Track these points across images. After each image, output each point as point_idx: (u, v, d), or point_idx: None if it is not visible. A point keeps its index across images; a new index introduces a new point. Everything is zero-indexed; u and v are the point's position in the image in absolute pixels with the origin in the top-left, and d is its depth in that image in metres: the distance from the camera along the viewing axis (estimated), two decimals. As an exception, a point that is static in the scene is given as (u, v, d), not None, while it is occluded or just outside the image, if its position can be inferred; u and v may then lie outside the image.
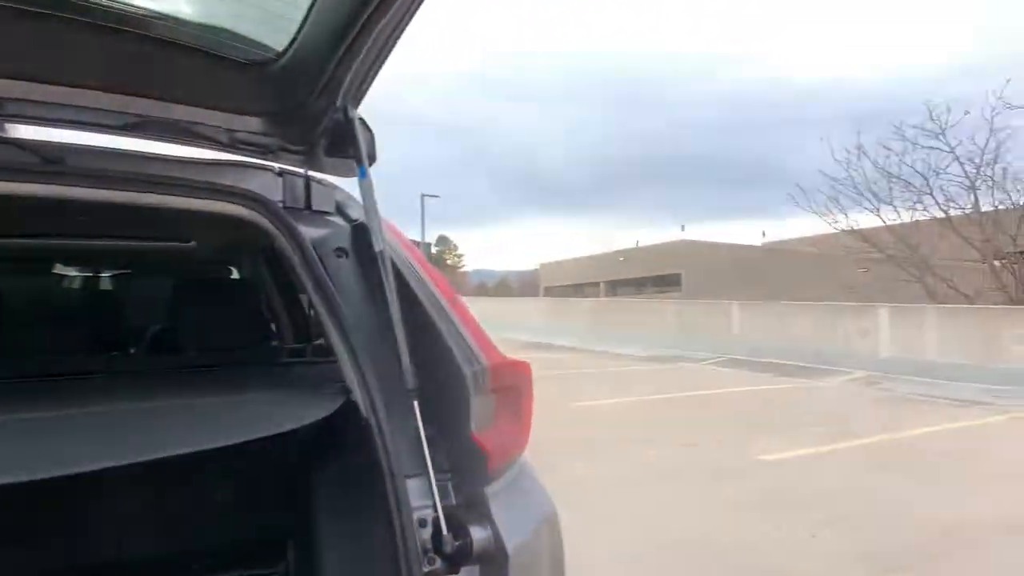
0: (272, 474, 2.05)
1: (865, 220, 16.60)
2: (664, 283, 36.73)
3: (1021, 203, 14.33)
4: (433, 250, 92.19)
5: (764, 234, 42.75)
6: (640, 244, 45.57)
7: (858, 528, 4.21)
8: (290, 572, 2.06)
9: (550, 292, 44.24)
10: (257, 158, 1.80)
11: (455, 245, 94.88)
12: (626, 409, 8.47)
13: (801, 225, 42.42)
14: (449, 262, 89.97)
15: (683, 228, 43.43)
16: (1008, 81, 14.85)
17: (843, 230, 16.60)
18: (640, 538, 4.04)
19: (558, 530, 1.69)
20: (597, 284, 41.94)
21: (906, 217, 15.91)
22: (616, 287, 41.18)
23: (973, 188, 14.71)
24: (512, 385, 1.66)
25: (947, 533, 4.12)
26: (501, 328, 23.38)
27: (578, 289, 43.12)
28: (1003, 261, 14.49)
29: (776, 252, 32.96)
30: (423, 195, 39.55)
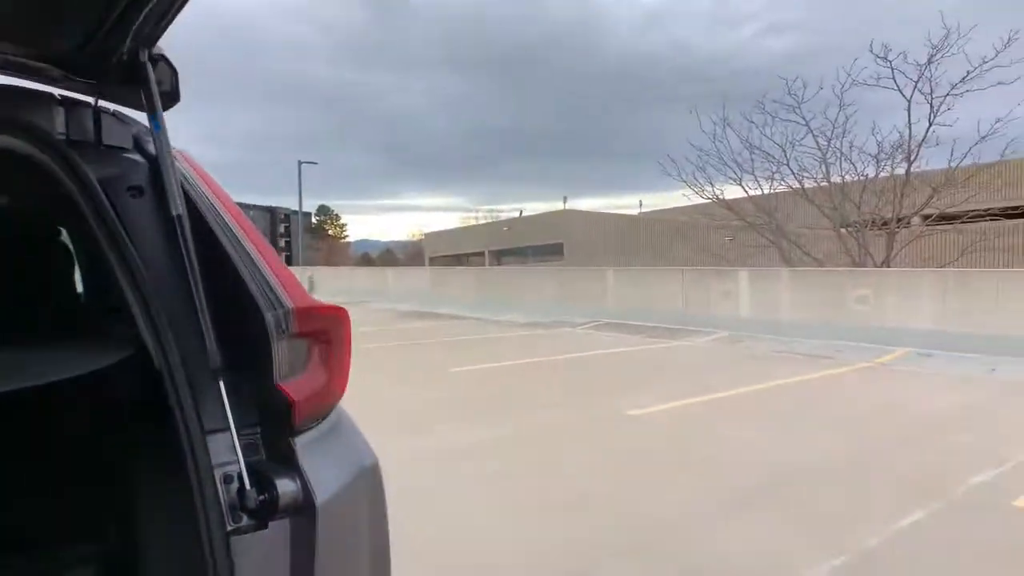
0: (85, 443, 1.88)
1: (730, 191, 17.55)
2: (547, 252, 37.42)
3: (865, 174, 15.64)
4: (314, 220, 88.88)
5: (641, 204, 44.29)
6: (524, 215, 46.09)
7: (709, 473, 4.43)
8: (111, 542, 1.88)
9: (435, 262, 43.94)
10: (33, 82, 1.58)
11: (337, 215, 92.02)
12: (502, 372, 8.51)
13: (675, 197, 44.49)
14: (331, 232, 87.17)
15: (565, 200, 44.35)
16: (855, 60, 16.08)
17: (709, 199, 17.47)
18: (496, 496, 4.03)
19: (379, 482, 1.59)
20: (482, 254, 42.09)
21: (766, 188, 16.97)
22: (501, 256, 41.52)
23: (824, 160, 15.88)
24: (323, 330, 1.52)
25: (785, 475, 4.41)
26: (385, 298, 22.93)
27: (463, 259, 43.08)
28: (848, 228, 15.80)
29: (650, 221, 34.36)
30: (300, 162, 37.85)
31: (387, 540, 1.60)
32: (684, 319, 13.34)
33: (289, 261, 53.69)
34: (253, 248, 1.54)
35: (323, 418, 1.54)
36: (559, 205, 45.28)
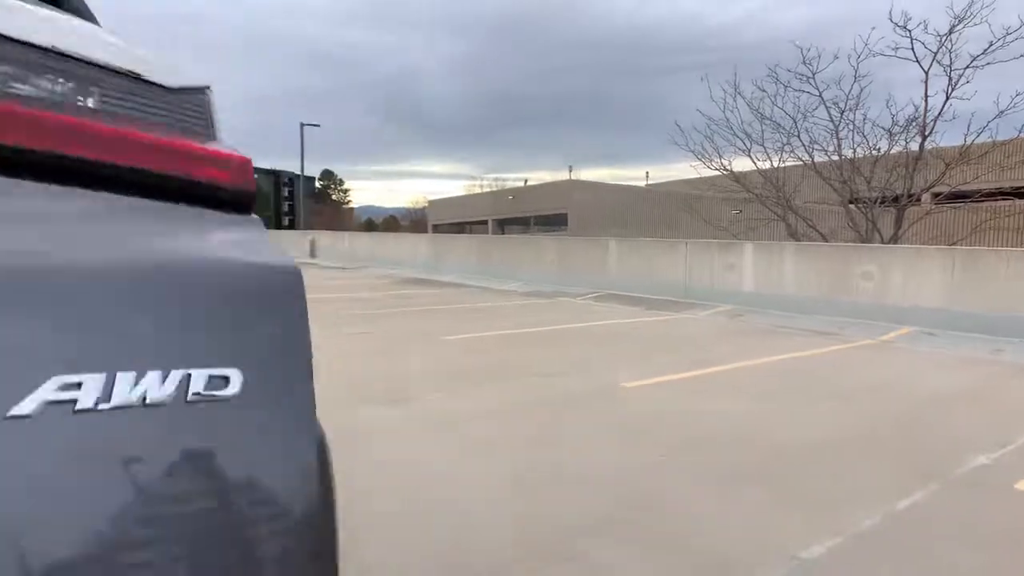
0: None
1: (739, 164, 17.23)
2: (551, 222, 37.12)
3: (877, 148, 15.29)
4: (317, 185, 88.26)
5: (648, 175, 43.82)
6: (529, 184, 45.64)
7: (706, 448, 4.30)
8: None
9: (438, 230, 43.68)
10: None
11: (340, 180, 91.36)
12: (498, 341, 8.38)
13: (682, 169, 43.93)
14: (335, 198, 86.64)
15: (571, 169, 43.79)
16: (873, 28, 15.62)
17: (717, 171, 17.15)
18: (490, 469, 3.91)
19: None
20: (485, 222, 41.80)
21: (775, 160, 16.63)
22: (504, 226, 41.24)
23: (836, 133, 15.51)
24: None
25: (779, 451, 4.28)
26: (385, 264, 22.82)
27: (466, 228, 42.83)
28: (857, 204, 15.51)
29: (655, 192, 33.98)
30: (302, 124, 37.36)
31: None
32: (687, 292, 13.16)
33: (292, 225, 53.52)
34: None
35: None
36: (565, 175, 44.83)
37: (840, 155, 15.63)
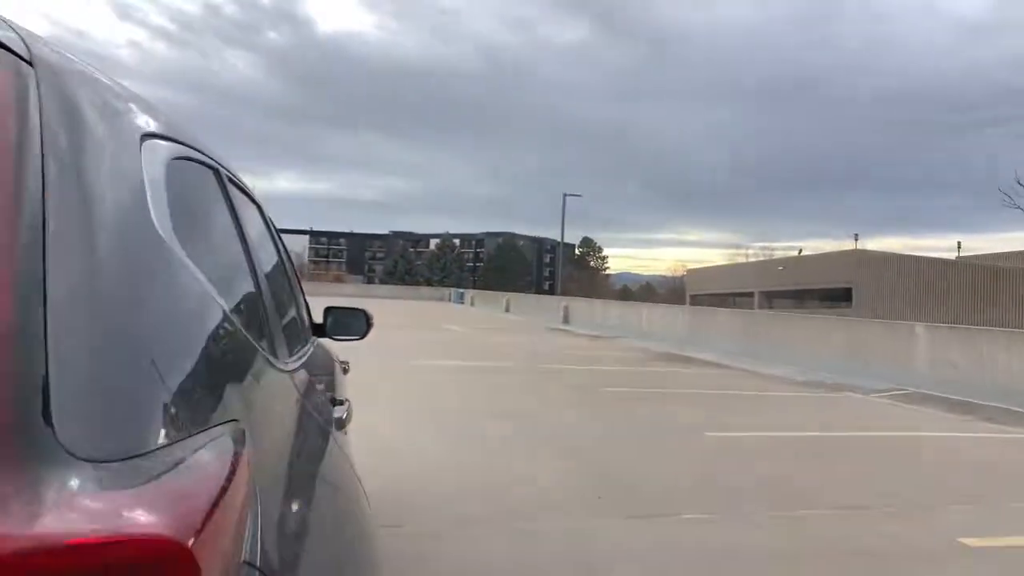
0: None
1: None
2: (830, 297, 32.96)
3: None
4: (577, 251, 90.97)
5: (960, 246, 37.53)
6: (804, 254, 41.66)
7: None
8: None
9: (697, 300, 41.55)
10: None
11: (599, 247, 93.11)
12: (774, 446, 6.78)
13: (996, 240, 36.83)
14: (592, 264, 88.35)
15: (856, 238, 39.15)
16: None
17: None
18: None
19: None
20: (751, 295, 38.70)
21: None
22: (772, 299, 37.72)
23: None
24: None
25: None
26: (638, 335, 21.72)
27: (728, 299, 40.10)
28: None
29: (973, 267, 28.30)
30: (565, 195, 38.63)
31: None
32: (1032, 399, 9.99)
33: (552, 290, 55.48)
34: None
35: None
36: (844, 244, 40.15)
37: None
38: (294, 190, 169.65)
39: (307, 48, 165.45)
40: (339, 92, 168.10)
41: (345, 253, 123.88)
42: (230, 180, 1.43)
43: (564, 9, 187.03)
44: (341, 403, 2.11)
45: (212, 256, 1.14)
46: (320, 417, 1.62)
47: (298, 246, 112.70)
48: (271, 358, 1.24)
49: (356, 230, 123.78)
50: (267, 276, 1.54)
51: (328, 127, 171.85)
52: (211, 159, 1.29)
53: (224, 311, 0.98)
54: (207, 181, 1.25)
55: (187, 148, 1.12)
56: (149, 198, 0.84)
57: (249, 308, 1.27)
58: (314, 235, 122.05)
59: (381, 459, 4.90)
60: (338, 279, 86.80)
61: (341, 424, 1.90)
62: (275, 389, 1.22)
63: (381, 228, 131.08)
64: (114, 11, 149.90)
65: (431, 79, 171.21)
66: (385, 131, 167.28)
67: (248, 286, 1.33)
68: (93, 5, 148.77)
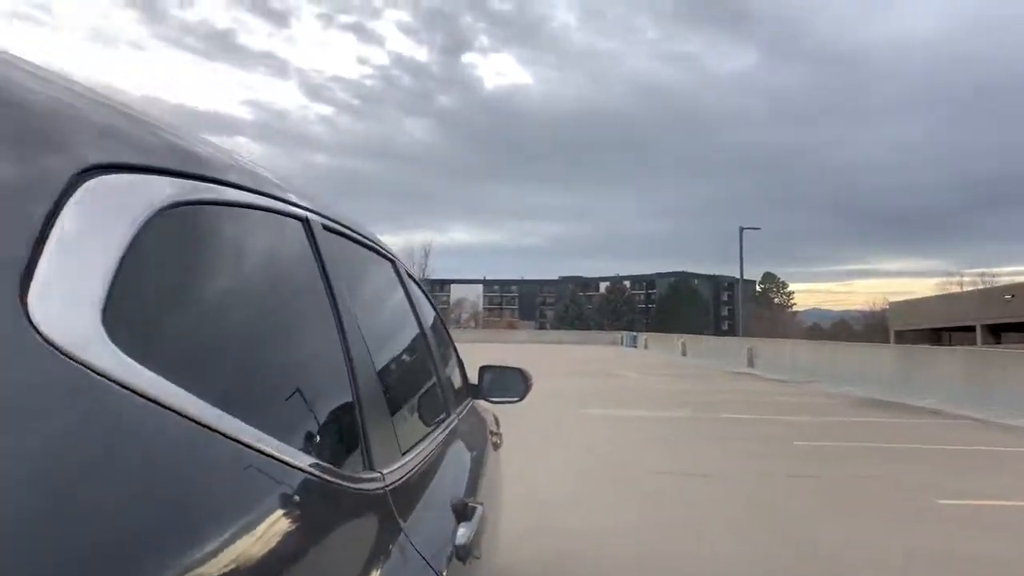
0: None
1: None
2: (1077, 329, 27.66)
3: None
4: (758, 288, 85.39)
5: None
6: (1035, 279, 35.73)
7: None
8: None
9: (903, 337, 36.93)
10: None
11: (783, 283, 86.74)
12: (1033, 524, 5.39)
13: None
14: (777, 301, 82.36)
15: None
16: None
17: None
18: None
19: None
20: (971, 329, 33.63)
21: None
22: (999, 333, 32.49)
23: None
24: None
25: None
26: (834, 379, 19.43)
27: (941, 335, 35.19)
28: None
29: None
30: (741, 228, 36.44)
31: None
32: None
33: (732, 331, 52.50)
34: None
35: None
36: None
37: None
38: (468, 241, 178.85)
39: (474, 108, 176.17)
40: (506, 145, 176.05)
41: (517, 300, 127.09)
42: (407, 273, 1.72)
43: (728, 38, 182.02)
44: (471, 509, 1.45)
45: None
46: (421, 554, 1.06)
47: (472, 295, 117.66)
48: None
49: (527, 276, 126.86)
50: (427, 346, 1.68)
51: (495, 179, 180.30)
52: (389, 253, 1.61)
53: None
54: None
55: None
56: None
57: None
58: (487, 284, 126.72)
59: (541, 515, 4.44)
60: (511, 326, 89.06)
61: (465, 553, 1.27)
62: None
63: (551, 273, 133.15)
64: (305, 93, 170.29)
65: (591, 123, 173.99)
66: (550, 179, 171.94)
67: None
68: (289, 89, 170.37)
